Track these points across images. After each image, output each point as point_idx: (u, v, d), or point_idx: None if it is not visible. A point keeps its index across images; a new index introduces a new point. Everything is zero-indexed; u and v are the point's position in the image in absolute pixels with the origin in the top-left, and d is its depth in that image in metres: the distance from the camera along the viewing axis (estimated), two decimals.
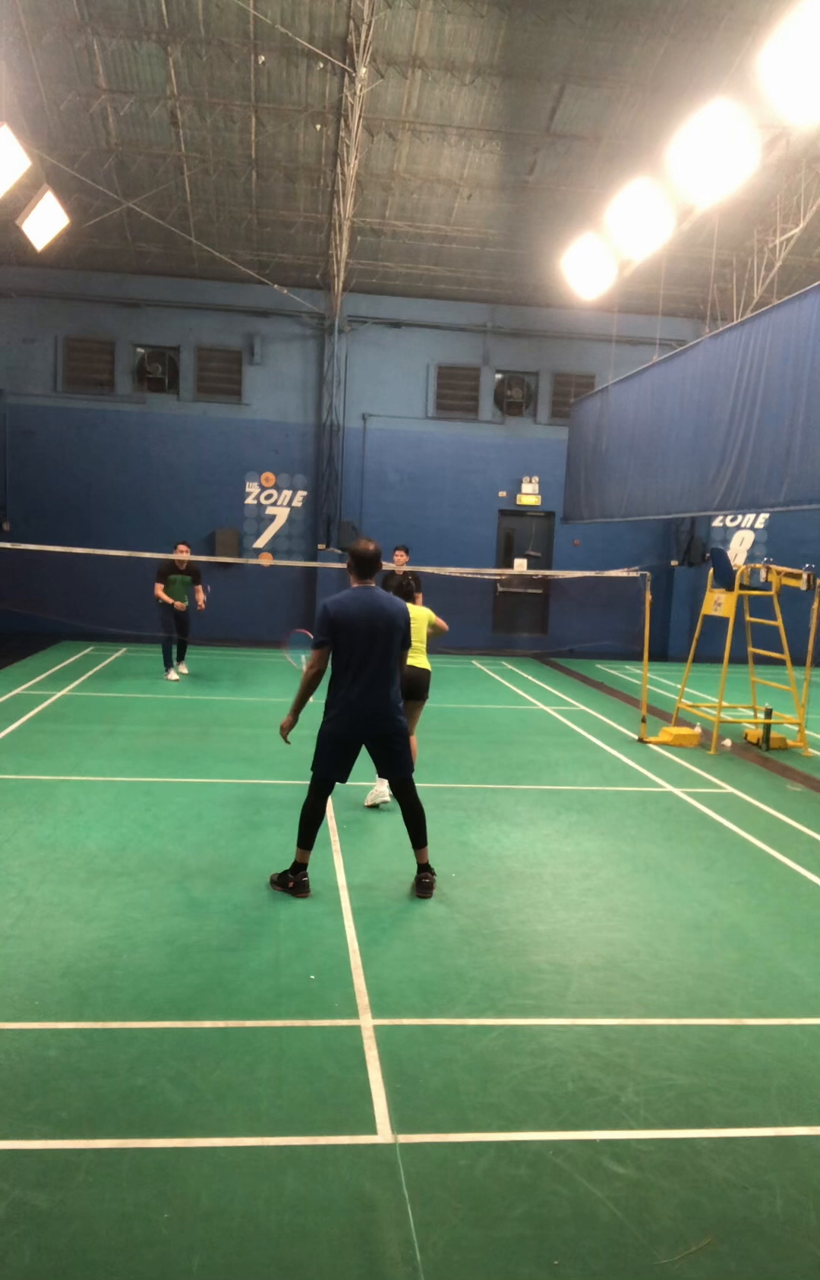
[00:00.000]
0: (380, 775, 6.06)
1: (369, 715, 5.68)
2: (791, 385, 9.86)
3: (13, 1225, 2.98)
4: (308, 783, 5.88)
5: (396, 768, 5.92)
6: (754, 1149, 3.50)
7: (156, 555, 14.04)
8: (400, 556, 14.31)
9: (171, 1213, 3.06)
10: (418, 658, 7.46)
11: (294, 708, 5.77)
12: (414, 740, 7.11)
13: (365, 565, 5.71)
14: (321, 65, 13.86)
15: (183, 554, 13.69)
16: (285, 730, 5.81)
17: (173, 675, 13.98)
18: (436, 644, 8.11)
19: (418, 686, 7.46)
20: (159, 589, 13.59)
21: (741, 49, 12.92)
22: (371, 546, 5.71)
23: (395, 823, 6.97)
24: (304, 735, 6.22)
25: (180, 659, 14.36)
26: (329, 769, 5.76)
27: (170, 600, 13.60)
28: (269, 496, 19.77)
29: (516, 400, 20.12)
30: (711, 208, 14.37)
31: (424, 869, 5.94)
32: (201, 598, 13.79)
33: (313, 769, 5.80)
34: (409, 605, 7.11)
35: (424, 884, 5.87)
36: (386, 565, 14.87)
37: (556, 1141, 3.48)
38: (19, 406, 18.92)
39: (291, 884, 5.76)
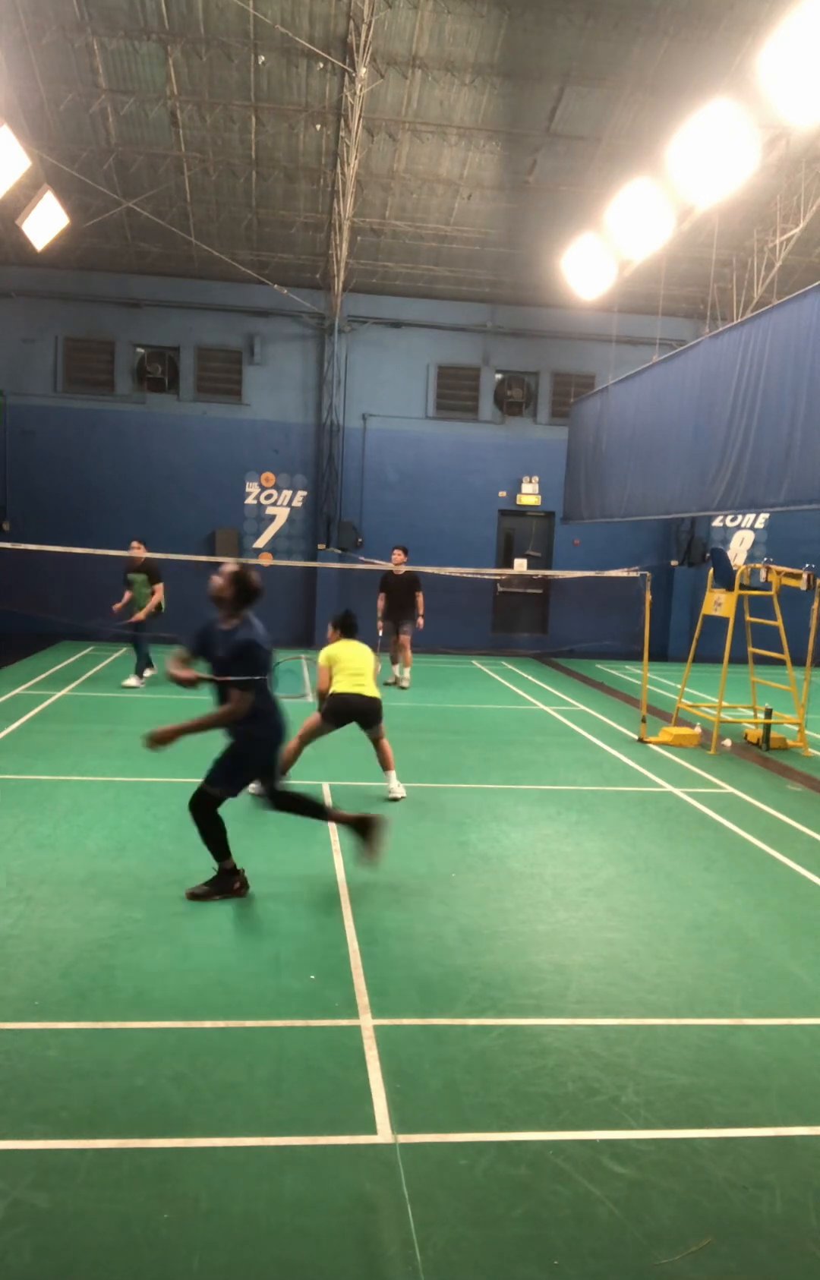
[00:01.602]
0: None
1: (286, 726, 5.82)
2: (791, 385, 9.86)
3: (13, 1225, 2.98)
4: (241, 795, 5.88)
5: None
6: (754, 1149, 3.51)
7: (156, 555, 13.97)
8: (398, 556, 14.32)
9: (171, 1213, 3.06)
10: (371, 688, 7.66)
11: (192, 727, 5.40)
12: (385, 744, 7.95)
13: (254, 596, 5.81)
14: (321, 65, 13.86)
15: (137, 551, 12.95)
16: (161, 738, 5.35)
17: (142, 678, 13.21)
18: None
19: (372, 714, 7.67)
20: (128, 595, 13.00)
21: (741, 49, 12.92)
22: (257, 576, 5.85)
23: (395, 822, 6.96)
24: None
25: (138, 668, 13.26)
26: (243, 785, 5.76)
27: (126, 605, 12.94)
28: (269, 496, 19.76)
29: (516, 400, 20.10)
30: (711, 208, 14.37)
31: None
32: (155, 600, 12.87)
33: (227, 784, 5.61)
34: (358, 644, 7.79)
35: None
36: (385, 565, 14.89)
37: (556, 1141, 3.48)
38: (19, 406, 18.91)
39: (238, 885, 5.69)
